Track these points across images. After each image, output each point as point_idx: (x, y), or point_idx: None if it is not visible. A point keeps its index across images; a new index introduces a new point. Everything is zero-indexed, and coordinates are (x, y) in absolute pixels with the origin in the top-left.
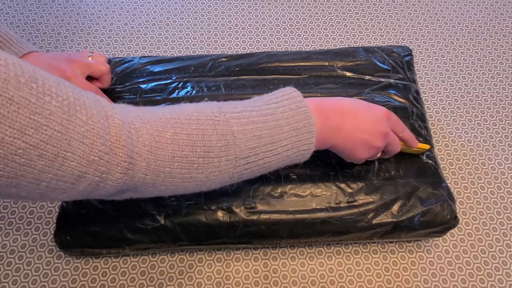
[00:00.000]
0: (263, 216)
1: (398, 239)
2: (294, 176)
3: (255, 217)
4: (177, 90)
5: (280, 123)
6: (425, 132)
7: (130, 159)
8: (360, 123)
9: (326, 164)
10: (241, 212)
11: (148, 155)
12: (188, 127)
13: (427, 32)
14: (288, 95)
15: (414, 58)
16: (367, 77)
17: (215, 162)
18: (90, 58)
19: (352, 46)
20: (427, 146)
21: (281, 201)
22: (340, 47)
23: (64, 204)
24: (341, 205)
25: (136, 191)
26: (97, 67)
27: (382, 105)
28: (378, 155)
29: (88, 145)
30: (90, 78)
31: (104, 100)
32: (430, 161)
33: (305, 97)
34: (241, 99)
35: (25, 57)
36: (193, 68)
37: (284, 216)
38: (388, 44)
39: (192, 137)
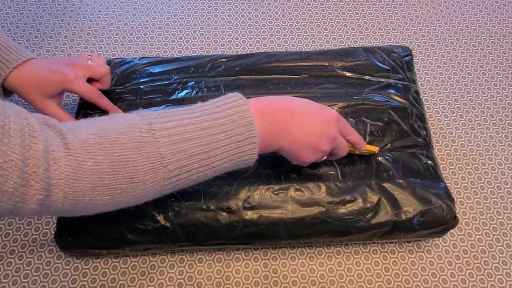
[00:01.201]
0: (263, 216)
1: (397, 240)
2: (294, 176)
3: (254, 217)
4: (177, 91)
5: (218, 137)
6: (425, 132)
7: (46, 191)
8: (309, 126)
9: (325, 163)
10: (240, 212)
11: (65, 187)
12: (111, 154)
13: (427, 32)
14: (233, 103)
15: (414, 58)
16: (367, 77)
17: (140, 185)
18: (89, 61)
19: (352, 46)
20: (375, 148)
21: (280, 201)
22: (340, 47)
23: None
24: (341, 205)
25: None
26: (97, 69)
27: (381, 105)
28: (324, 158)
29: (4, 176)
30: (90, 80)
31: (34, 123)
32: (430, 162)
33: (304, 97)
34: None
35: (24, 64)
36: (193, 69)
37: (283, 216)
38: (388, 44)
39: (115, 165)
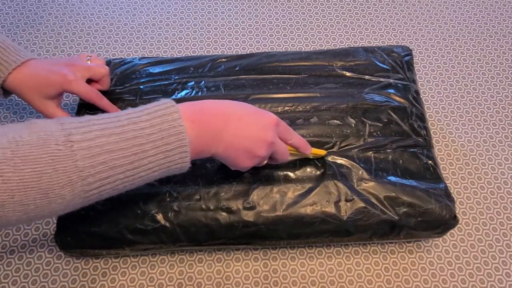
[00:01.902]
0: (263, 216)
1: (397, 240)
2: (293, 176)
3: (254, 217)
4: (177, 91)
5: (145, 148)
6: (425, 132)
7: None
8: (244, 130)
9: (325, 163)
10: (240, 212)
11: None
12: (22, 171)
13: (427, 32)
14: (163, 111)
15: (414, 58)
16: (367, 77)
17: (57, 200)
18: (89, 61)
19: (352, 46)
20: (323, 152)
21: (280, 201)
22: (340, 47)
23: None
24: (340, 205)
25: None
26: (97, 70)
27: (381, 105)
28: (265, 162)
29: None
30: (89, 81)
31: None
32: (430, 162)
33: (304, 97)
34: (241, 98)
35: (23, 65)
36: (192, 69)
37: (283, 216)
38: (388, 44)
39: (26, 182)
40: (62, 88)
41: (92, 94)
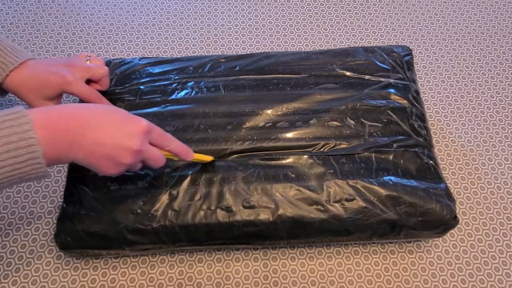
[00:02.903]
0: (262, 216)
1: (397, 240)
2: (293, 175)
3: (254, 216)
4: (176, 91)
5: None
6: (425, 132)
7: None
8: (106, 138)
9: (325, 163)
10: (240, 212)
11: None
12: None
13: (427, 32)
14: (12, 121)
15: (414, 58)
16: (367, 77)
17: None
18: (88, 62)
19: (352, 46)
20: (209, 158)
21: (280, 200)
22: (340, 47)
23: (64, 204)
24: (340, 205)
25: None
26: (96, 70)
27: (381, 105)
28: (139, 166)
29: None
30: (89, 81)
31: None
32: (430, 161)
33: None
34: (241, 99)
35: (21, 66)
36: (192, 69)
37: (283, 216)
38: (388, 44)
39: None
40: (62, 89)
41: (92, 95)
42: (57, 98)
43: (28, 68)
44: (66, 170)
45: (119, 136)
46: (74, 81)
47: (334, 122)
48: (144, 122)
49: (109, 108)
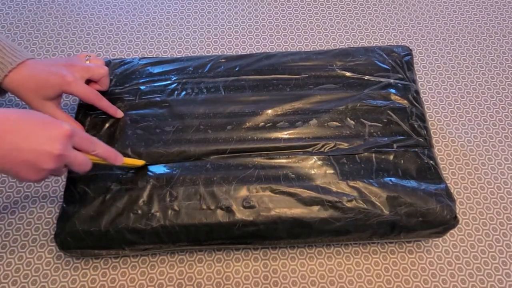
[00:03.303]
0: (262, 216)
1: (397, 240)
2: (293, 176)
3: (254, 216)
4: (176, 91)
5: None
6: (425, 132)
7: None
8: (23, 143)
9: (325, 163)
10: (240, 212)
11: None
12: None
13: (427, 32)
14: None
15: (414, 58)
16: (367, 77)
17: None
18: (88, 61)
19: (352, 46)
20: (140, 162)
21: (280, 200)
22: (340, 47)
23: (64, 204)
24: (340, 205)
25: None
26: (96, 71)
27: (381, 107)
28: (64, 171)
29: None
30: (88, 81)
31: None
32: (431, 161)
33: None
34: (241, 100)
35: (20, 66)
36: (192, 69)
37: (283, 216)
38: (388, 44)
39: None
40: (61, 89)
41: (91, 95)
42: (57, 98)
43: (27, 68)
44: None
45: (38, 142)
46: (74, 82)
47: (334, 122)
48: (66, 126)
49: (27, 112)
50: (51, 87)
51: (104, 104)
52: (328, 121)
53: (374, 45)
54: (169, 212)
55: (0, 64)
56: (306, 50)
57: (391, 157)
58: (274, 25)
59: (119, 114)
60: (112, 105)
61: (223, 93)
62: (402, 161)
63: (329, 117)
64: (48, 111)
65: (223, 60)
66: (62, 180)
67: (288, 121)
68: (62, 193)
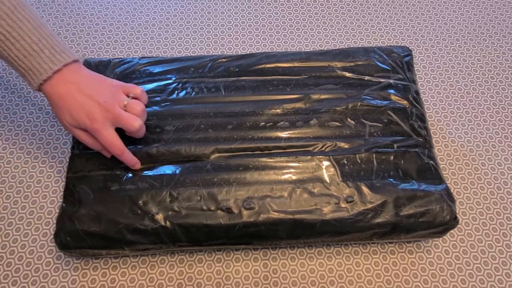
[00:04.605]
0: (262, 217)
1: (397, 240)
2: (293, 176)
3: (254, 217)
4: (176, 91)
5: None
6: (425, 132)
7: None
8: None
9: (325, 163)
10: (240, 212)
11: None
12: None
13: (427, 32)
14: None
15: (414, 58)
16: (367, 78)
17: None
18: (126, 102)
19: (352, 46)
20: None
21: (280, 201)
22: (340, 47)
23: (64, 204)
24: (340, 205)
25: None
26: (127, 125)
27: (381, 107)
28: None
29: None
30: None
31: None
32: (431, 162)
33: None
34: (241, 100)
35: (58, 78)
36: (192, 69)
37: (283, 217)
38: (388, 44)
39: None
40: (87, 129)
41: (114, 148)
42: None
43: (64, 85)
44: (66, 170)
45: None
46: (99, 130)
47: (335, 123)
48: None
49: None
50: (78, 122)
51: (125, 158)
52: (328, 121)
53: (374, 46)
54: (169, 212)
55: (34, 70)
56: (306, 50)
57: (392, 157)
58: (274, 25)
59: (137, 167)
60: (133, 158)
61: (223, 93)
62: (402, 161)
63: (329, 117)
64: (75, 133)
65: (223, 60)
66: (62, 180)
67: (289, 121)
68: (62, 193)
